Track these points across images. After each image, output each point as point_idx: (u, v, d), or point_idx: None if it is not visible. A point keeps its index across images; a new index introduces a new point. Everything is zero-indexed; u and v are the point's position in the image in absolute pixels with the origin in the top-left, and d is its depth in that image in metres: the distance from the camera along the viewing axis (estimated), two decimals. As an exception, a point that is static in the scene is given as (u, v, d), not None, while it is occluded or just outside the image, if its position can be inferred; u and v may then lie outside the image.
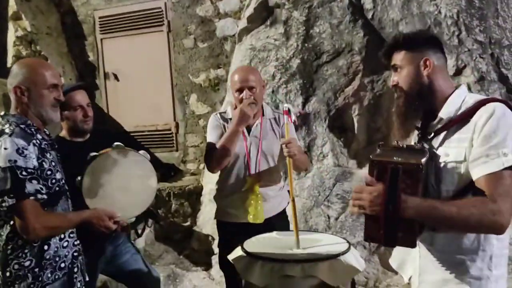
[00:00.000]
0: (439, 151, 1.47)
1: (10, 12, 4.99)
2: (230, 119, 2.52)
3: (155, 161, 4.89)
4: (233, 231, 2.44)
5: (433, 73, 1.52)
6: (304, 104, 3.80)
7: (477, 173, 1.36)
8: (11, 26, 5.02)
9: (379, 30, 3.67)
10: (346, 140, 3.83)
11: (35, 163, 1.74)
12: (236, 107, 2.47)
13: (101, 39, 5.15)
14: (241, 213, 2.44)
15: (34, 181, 1.71)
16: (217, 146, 2.39)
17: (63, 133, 2.41)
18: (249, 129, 2.50)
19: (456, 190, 1.42)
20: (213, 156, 2.40)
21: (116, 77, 5.13)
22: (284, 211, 2.60)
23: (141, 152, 2.28)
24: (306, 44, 3.86)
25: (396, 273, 3.41)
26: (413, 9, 3.55)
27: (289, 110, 2.29)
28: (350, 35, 3.73)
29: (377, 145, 1.56)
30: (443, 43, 3.60)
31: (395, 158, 1.38)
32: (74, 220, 1.87)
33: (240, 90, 2.41)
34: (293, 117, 2.36)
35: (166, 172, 4.78)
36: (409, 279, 1.62)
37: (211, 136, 2.51)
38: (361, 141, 3.81)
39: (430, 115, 1.55)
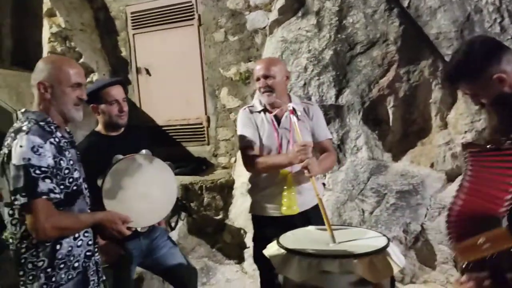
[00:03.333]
0: None
1: (44, 9, 5.09)
2: (259, 111, 2.52)
3: (187, 155, 4.96)
4: (268, 225, 2.43)
5: None
6: (337, 96, 3.72)
7: None
8: (45, 22, 5.12)
9: (415, 18, 3.54)
10: (380, 132, 3.74)
11: (50, 161, 1.69)
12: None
13: (133, 35, 5.19)
14: (276, 206, 2.43)
15: (48, 180, 1.67)
16: (263, 161, 2.42)
17: (99, 127, 2.46)
18: (278, 121, 2.49)
19: None
20: (254, 165, 2.44)
21: (148, 72, 5.17)
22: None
23: (167, 162, 2.29)
24: (339, 35, 3.77)
25: (434, 268, 3.33)
26: (452, -5, 3.41)
27: (294, 109, 2.33)
28: (385, 24, 3.62)
29: (462, 145, 1.43)
30: (484, 31, 3.39)
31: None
32: (86, 221, 1.81)
33: (258, 79, 2.48)
34: (298, 114, 2.41)
35: (197, 166, 4.80)
36: None
37: (244, 133, 2.50)
38: (396, 134, 3.72)
39: None
